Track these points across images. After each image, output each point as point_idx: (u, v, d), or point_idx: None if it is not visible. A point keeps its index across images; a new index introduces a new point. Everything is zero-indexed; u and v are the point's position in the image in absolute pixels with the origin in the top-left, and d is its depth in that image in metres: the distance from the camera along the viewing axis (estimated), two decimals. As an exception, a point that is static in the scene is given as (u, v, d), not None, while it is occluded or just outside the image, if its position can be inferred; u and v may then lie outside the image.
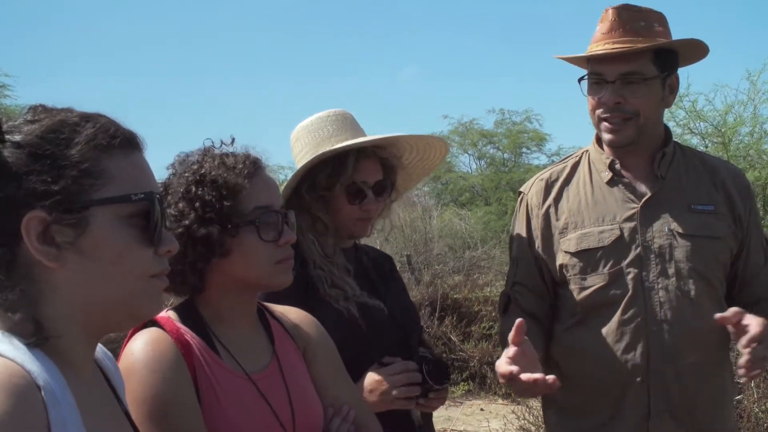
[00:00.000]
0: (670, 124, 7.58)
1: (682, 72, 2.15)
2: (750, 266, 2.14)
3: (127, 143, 1.03)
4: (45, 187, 0.94)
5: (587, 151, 2.23)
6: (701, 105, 7.24)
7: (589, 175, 2.17)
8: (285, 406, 1.48)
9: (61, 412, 0.90)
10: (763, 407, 4.60)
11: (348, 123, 2.06)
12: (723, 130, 7.05)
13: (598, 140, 2.19)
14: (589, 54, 2.06)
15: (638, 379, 2.01)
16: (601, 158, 2.15)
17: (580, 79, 2.11)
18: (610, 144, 2.11)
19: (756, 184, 6.79)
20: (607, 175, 2.13)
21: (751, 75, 7.74)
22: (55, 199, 0.94)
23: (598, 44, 2.06)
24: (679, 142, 2.27)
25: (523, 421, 5.12)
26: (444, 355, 7.14)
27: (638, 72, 2.02)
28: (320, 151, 1.95)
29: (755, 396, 4.62)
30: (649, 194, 2.08)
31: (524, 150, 20.43)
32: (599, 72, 2.06)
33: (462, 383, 7.00)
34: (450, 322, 7.38)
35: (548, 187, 2.20)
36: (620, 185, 2.12)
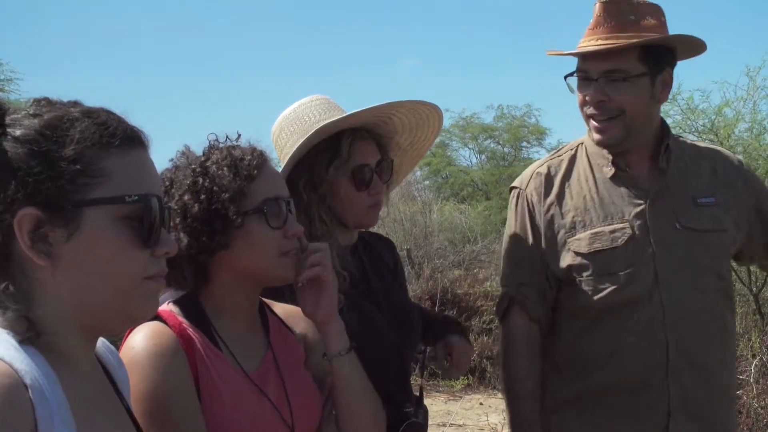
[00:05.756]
0: (668, 121, 7.55)
1: (675, 71, 2.10)
2: None
3: (129, 141, 1.00)
4: (39, 185, 0.92)
5: (582, 143, 2.16)
6: (697, 102, 7.21)
7: (590, 170, 2.09)
8: (282, 399, 1.48)
9: (49, 407, 0.89)
10: (763, 403, 4.61)
11: (333, 106, 1.96)
12: (717, 126, 7.02)
13: None
14: (572, 52, 2.02)
15: (658, 378, 1.97)
16: (602, 153, 2.07)
17: (566, 76, 2.07)
18: (599, 144, 2.04)
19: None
20: (610, 170, 2.05)
21: (750, 71, 7.71)
22: (48, 197, 0.93)
23: (584, 40, 2.01)
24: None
25: (522, 416, 5.12)
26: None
27: (621, 70, 1.95)
28: (315, 128, 1.82)
29: (755, 392, 4.64)
30: (654, 189, 2.03)
31: (524, 144, 20.40)
32: (584, 69, 2.01)
33: (461, 377, 7.01)
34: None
35: (548, 181, 2.11)
36: (624, 181, 2.06)
